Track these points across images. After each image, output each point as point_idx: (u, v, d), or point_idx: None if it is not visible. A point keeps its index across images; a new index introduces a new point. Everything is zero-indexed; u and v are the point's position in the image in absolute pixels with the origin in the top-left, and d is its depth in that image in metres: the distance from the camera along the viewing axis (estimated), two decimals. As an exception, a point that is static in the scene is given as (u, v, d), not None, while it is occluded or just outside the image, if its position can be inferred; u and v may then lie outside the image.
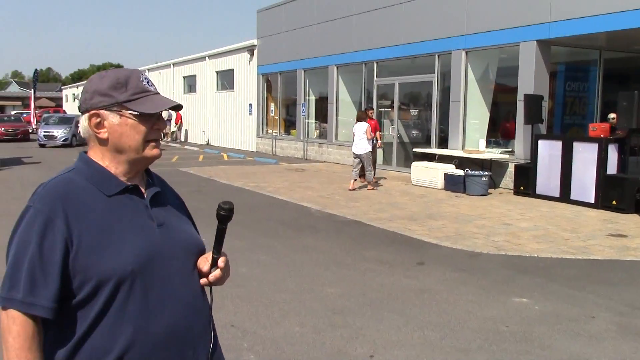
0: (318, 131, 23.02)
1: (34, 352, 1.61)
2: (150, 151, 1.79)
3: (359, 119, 14.17)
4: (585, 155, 11.72)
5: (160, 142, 1.84)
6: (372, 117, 14.81)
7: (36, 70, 47.11)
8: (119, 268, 1.66)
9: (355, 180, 13.94)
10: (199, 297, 1.83)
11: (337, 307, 5.71)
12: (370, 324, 5.27)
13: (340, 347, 4.71)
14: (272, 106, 25.59)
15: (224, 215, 1.82)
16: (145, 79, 1.80)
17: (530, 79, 13.46)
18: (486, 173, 13.41)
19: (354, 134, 13.99)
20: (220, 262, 1.85)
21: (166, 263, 1.75)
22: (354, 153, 13.94)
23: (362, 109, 18.70)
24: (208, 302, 1.86)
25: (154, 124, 1.79)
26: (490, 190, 13.48)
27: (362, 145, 13.70)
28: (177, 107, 1.87)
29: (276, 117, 25.39)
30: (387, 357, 4.55)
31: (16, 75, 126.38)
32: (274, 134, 25.29)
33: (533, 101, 13.00)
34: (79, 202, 1.70)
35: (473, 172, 13.33)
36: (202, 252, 1.89)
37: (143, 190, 1.81)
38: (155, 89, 1.83)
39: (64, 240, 1.64)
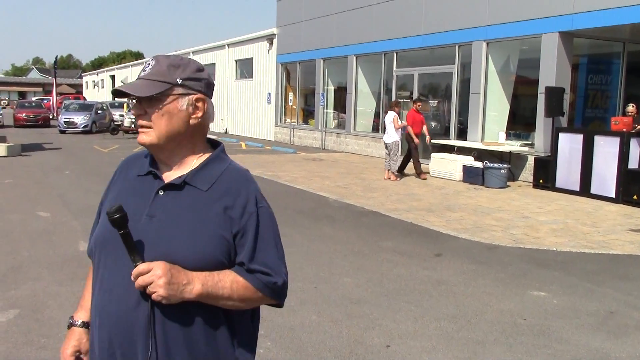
0: (336, 121, 22.98)
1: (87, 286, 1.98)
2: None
3: (389, 108, 14.46)
4: (606, 149, 11.59)
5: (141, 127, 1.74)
6: (418, 110, 14.41)
7: (57, 57, 47.48)
8: (92, 239, 1.84)
9: (389, 170, 13.99)
10: (138, 302, 1.66)
11: (353, 296, 5.72)
12: (387, 314, 5.27)
13: (356, 337, 4.72)
14: (290, 95, 25.59)
15: (117, 219, 1.63)
16: (146, 63, 1.80)
17: (552, 71, 13.31)
18: (505, 165, 13.31)
19: (384, 124, 14.34)
20: (134, 271, 1.62)
21: (120, 253, 1.67)
22: (384, 142, 14.17)
23: (385, 99, 18.81)
24: (146, 310, 1.65)
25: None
26: (509, 183, 13.39)
27: (390, 135, 13.86)
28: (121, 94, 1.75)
29: (294, 107, 25.39)
30: (403, 348, 4.56)
31: (37, 61, 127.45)
32: (292, 123, 25.30)
33: (554, 94, 12.86)
34: (125, 172, 1.88)
35: (492, 164, 13.24)
36: (170, 261, 1.64)
37: (164, 177, 1.78)
38: (143, 73, 1.76)
39: (101, 198, 1.93)
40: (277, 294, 1.76)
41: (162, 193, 1.74)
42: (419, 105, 14.47)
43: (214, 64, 33.68)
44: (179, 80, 1.73)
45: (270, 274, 1.72)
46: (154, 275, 1.59)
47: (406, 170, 14.69)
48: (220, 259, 1.69)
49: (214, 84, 1.84)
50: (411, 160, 14.53)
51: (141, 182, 1.80)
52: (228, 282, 1.66)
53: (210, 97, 1.82)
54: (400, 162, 14.47)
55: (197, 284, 1.62)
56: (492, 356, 4.45)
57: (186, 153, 1.79)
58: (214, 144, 1.87)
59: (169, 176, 1.78)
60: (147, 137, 1.74)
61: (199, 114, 1.76)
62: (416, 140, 14.17)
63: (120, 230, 1.64)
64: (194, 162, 1.78)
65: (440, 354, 4.47)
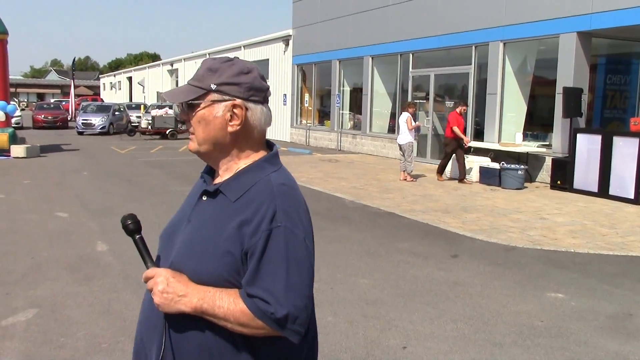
0: (352, 122, 22.96)
1: None
2: None
3: (403, 109, 14.41)
4: (625, 150, 11.47)
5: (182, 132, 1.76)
6: (462, 113, 13.89)
7: (75, 58, 47.90)
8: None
9: (404, 171, 13.94)
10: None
11: (370, 297, 5.71)
12: (403, 315, 5.26)
13: (373, 338, 4.72)
14: (306, 97, 25.62)
15: (128, 226, 1.74)
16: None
17: (570, 71, 13.21)
18: (522, 167, 13.21)
19: (398, 125, 14.29)
20: (143, 274, 1.65)
21: (162, 256, 1.75)
22: (398, 144, 14.15)
23: (401, 100, 18.78)
24: (162, 315, 1.64)
25: None
26: (526, 184, 13.29)
27: (403, 136, 13.81)
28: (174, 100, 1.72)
29: (310, 108, 25.41)
30: (420, 349, 4.55)
31: (55, 63, 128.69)
32: (308, 124, 25.32)
33: (572, 94, 12.76)
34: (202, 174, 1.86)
35: (509, 165, 13.16)
36: (179, 270, 1.64)
37: (213, 182, 1.76)
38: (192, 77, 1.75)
39: None
40: (280, 326, 1.52)
41: (204, 199, 1.72)
42: (464, 109, 14.00)
43: (230, 65, 33.78)
44: (212, 86, 1.66)
45: (269, 302, 1.51)
46: (154, 282, 1.61)
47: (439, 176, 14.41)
48: (226, 276, 1.58)
49: (262, 87, 1.70)
50: (448, 160, 14.18)
51: (199, 185, 1.82)
52: (226, 303, 1.54)
53: (258, 101, 1.69)
54: (441, 162, 14.24)
55: (193, 297, 1.56)
56: (509, 358, 4.42)
57: (231, 160, 1.71)
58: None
59: (216, 182, 1.74)
60: (192, 143, 1.72)
61: (237, 122, 1.67)
62: (466, 139, 13.73)
63: (132, 237, 1.72)
64: (236, 169, 1.71)
65: (457, 355, 4.45)
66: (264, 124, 1.72)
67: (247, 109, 1.67)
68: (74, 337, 4.67)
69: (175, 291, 1.58)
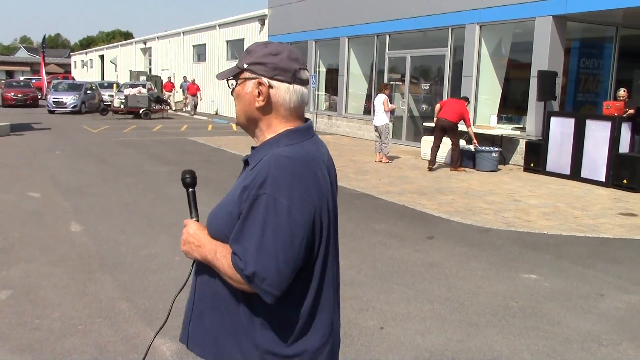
0: (327, 103, 22.92)
1: None
2: None
3: (379, 90, 14.21)
4: (597, 133, 11.64)
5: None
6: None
7: (45, 35, 46.91)
8: None
9: (380, 152, 13.94)
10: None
11: (347, 279, 5.74)
12: (381, 296, 5.30)
13: (350, 319, 4.74)
14: (281, 77, 25.42)
15: (184, 180, 2.03)
16: None
17: (545, 55, 13.31)
18: (496, 149, 13.33)
19: (374, 107, 14.05)
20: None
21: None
22: (374, 125, 14.03)
23: (377, 81, 18.68)
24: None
25: None
26: (500, 167, 13.43)
27: (379, 117, 13.74)
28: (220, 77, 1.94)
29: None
30: (397, 330, 4.59)
31: (25, 40, 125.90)
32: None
33: (547, 77, 12.88)
34: None
35: (483, 147, 13.26)
36: (207, 227, 1.91)
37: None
38: None
39: None
40: (250, 282, 1.66)
41: (245, 167, 1.90)
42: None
43: (205, 44, 33.43)
44: (245, 65, 1.84)
45: (242, 259, 1.66)
46: (184, 230, 1.91)
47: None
48: (227, 234, 1.76)
49: (288, 68, 1.82)
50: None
51: None
52: (222, 257, 1.73)
53: (284, 80, 1.82)
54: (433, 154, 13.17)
55: (204, 249, 1.81)
56: (484, 338, 4.49)
57: (261, 133, 1.89)
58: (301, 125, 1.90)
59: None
60: (236, 117, 1.94)
61: (261, 98, 1.83)
62: (471, 132, 13.09)
63: (187, 189, 2.03)
64: (263, 141, 1.88)
65: (434, 335, 4.50)
66: (290, 102, 1.85)
67: (271, 86, 1.83)
68: (49, 318, 4.62)
69: (194, 241, 1.85)
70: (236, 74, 1.88)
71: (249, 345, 1.78)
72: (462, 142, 13.76)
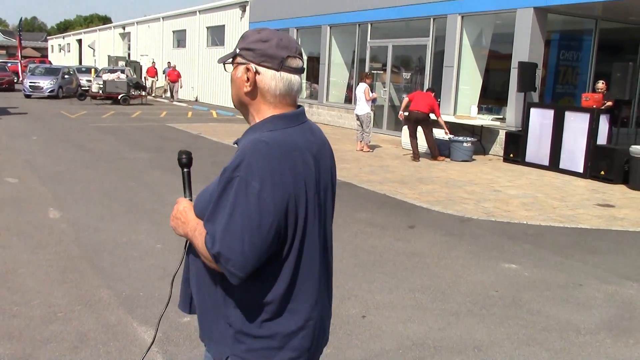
0: (309, 91, 22.85)
1: None
2: None
3: (360, 79, 14.24)
4: (576, 124, 11.76)
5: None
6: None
7: (21, 19, 46.10)
8: None
9: (361, 141, 13.96)
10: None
11: (329, 267, 5.73)
12: (362, 285, 5.31)
13: (333, 307, 4.74)
14: (262, 64, 25.28)
15: (180, 160, 2.05)
16: None
17: (526, 46, 13.38)
18: (469, 139, 13.35)
19: (356, 95, 14.09)
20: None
21: None
22: (355, 114, 14.06)
23: (358, 70, 18.65)
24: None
25: None
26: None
27: (361, 106, 13.77)
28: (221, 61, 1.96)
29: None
30: (379, 318, 4.61)
31: (0, 23, 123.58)
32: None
33: (527, 69, 12.96)
34: None
35: (457, 137, 13.32)
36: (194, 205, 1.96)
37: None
38: None
39: None
40: (217, 262, 1.69)
41: None
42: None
43: (185, 30, 33.09)
44: (237, 50, 1.87)
45: (210, 238, 1.69)
46: (174, 207, 1.95)
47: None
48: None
49: (275, 55, 1.83)
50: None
51: None
52: (199, 235, 1.76)
53: (271, 67, 1.83)
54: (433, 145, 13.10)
55: (187, 226, 1.84)
56: (465, 327, 4.53)
57: (251, 118, 1.90)
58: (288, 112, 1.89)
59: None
60: (232, 99, 1.97)
61: (249, 83, 1.85)
62: (441, 121, 13.12)
63: (182, 169, 2.05)
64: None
65: (415, 324, 4.53)
66: (277, 89, 1.85)
67: (257, 72, 1.84)
68: (28, 305, 4.57)
69: (180, 218, 1.89)
70: (233, 58, 1.89)
71: (223, 323, 1.83)
72: (436, 132, 13.79)
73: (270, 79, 1.83)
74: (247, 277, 1.70)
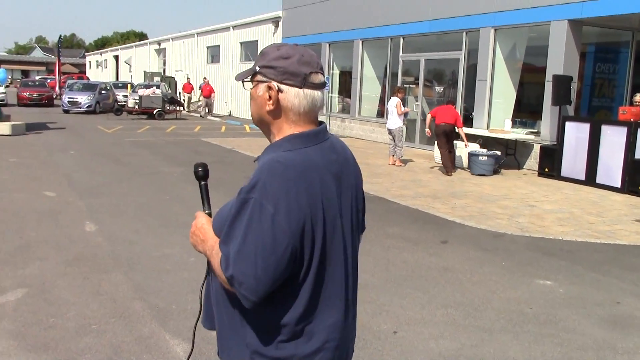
0: (341, 105, 22.92)
1: None
2: None
3: (392, 93, 14.32)
4: (613, 138, 11.55)
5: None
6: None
7: (60, 36, 47.25)
8: None
9: (393, 155, 13.96)
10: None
11: (360, 282, 5.66)
12: (394, 300, 5.28)
13: (364, 322, 4.73)
14: (295, 79, 25.44)
15: (197, 173, 2.03)
16: None
17: (560, 59, 13.23)
18: (485, 152, 13.13)
19: (388, 110, 14.19)
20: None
21: None
22: (387, 128, 14.10)
23: (390, 84, 18.68)
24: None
25: None
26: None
27: (393, 120, 13.80)
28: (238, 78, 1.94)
29: (299, 90, 25.26)
30: (411, 334, 4.57)
31: (40, 40, 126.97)
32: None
33: (562, 82, 12.80)
34: None
35: (476, 151, 13.19)
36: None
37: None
38: None
39: None
40: (230, 285, 1.67)
41: None
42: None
43: (219, 46, 33.53)
44: (257, 68, 1.83)
45: (225, 261, 1.67)
46: (193, 223, 1.93)
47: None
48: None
49: (297, 72, 1.78)
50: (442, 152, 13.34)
51: None
52: (215, 254, 1.74)
53: (293, 85, 1.79)
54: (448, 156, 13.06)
55: (206, 244, 1.83)
56: (498, 344, 4.46)
57: (272, 136, 1.87)
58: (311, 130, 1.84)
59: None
60: (252, 117, 1.93)
61: (271, 101, 1.80)
62: (462, 133, 13.12)
63: (199, 182, 2.03)
64: None
65: (447, 341, 4.48)
66: (300, 106, 1.81)
67: (280, 91, 1.80)
68: (64, 317, 4.65)
69: (200, 235, 1.87)
70: (252, 76, 1.85)
71: (241, 343, 1.80)
72: (472, 145, 13.78)
73: (294, 96, 1.79)
74: (262, 301, 1.66)
